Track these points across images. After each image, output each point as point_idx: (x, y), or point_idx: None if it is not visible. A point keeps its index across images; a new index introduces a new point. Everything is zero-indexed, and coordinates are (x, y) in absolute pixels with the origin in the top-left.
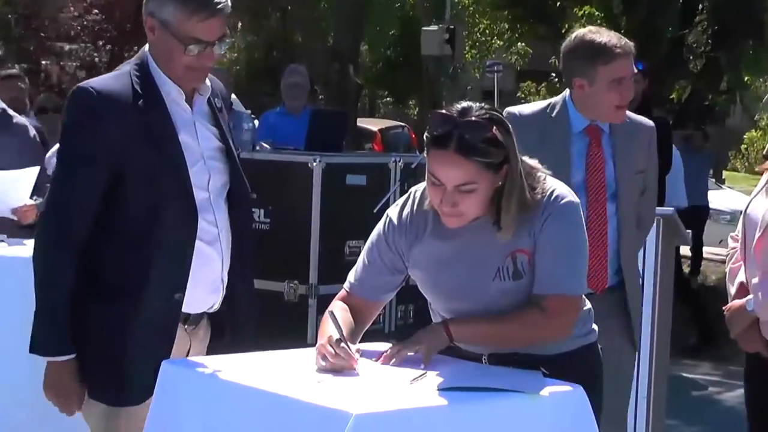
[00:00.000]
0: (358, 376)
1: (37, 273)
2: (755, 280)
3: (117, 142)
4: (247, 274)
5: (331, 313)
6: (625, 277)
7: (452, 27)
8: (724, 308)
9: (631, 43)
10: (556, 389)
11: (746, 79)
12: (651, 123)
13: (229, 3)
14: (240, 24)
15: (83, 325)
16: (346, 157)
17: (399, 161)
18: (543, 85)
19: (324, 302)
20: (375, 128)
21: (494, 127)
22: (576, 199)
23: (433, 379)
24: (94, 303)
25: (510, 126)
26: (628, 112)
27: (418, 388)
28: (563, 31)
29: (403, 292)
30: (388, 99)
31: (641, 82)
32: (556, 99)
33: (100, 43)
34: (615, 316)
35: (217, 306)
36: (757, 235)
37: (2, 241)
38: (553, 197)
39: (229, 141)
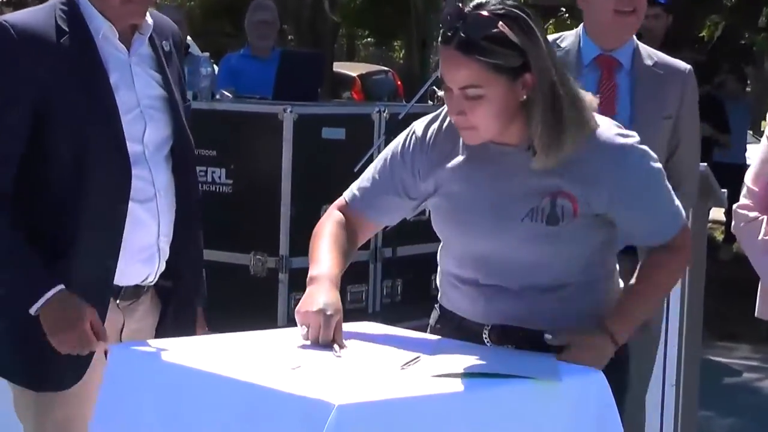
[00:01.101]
0: (340, 359)
1: None
2: None
3: (39, 82)
4: (193, 243)
5: (328, 237)
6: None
7: None
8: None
9: None
10: (573, 375)
11: None
12: (687, 66)
13: None
14: None
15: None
16: (321, 107)
17: (383, 111)
18: (551, 22)
19: (296, 277)
20: (354, 74)
21: (502, 23)
22: (631, 136)
23: (429, 363)
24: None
25: (535, 27)
26: (657, 52)
27: (410, 374)
28: None
29: (390, 265)
30: (369, 39)
31: (663, 18)
32: (571, 31)
33: None
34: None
35: (152, 279)
36: None
37: None
38: (616, 145)
39: (174, 90)
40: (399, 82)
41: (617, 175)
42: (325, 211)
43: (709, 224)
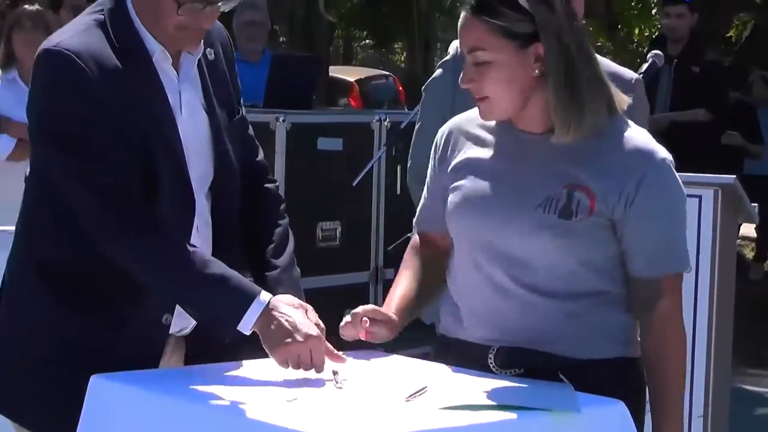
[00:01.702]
0: (340, 390)
1: (146, 272)
2: None
3: (110, 108)
4: None
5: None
6: None
7: None
8: None
9: None
10: (593, 405)
11: None
12: (634, 75)
13: None
14: None
15: (42, 335)
16: (316, 116)
17: (384, 120)
18: None
19: None
20: (352, 78)
21: None
22: (668, 154)
23: (436, 395)
24: (64, 312)
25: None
26: (603, 61)
27: (416, 406)
28: None
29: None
30: (367, 41)
31: (688, 17)
32: None
33: None
34: None
35: (188, 330)
36: None
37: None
38: (648, 150)
39: (219, 111)
40: (400, 88)
41: (642, 175)
42: (321, 229)
43: (739, 241)
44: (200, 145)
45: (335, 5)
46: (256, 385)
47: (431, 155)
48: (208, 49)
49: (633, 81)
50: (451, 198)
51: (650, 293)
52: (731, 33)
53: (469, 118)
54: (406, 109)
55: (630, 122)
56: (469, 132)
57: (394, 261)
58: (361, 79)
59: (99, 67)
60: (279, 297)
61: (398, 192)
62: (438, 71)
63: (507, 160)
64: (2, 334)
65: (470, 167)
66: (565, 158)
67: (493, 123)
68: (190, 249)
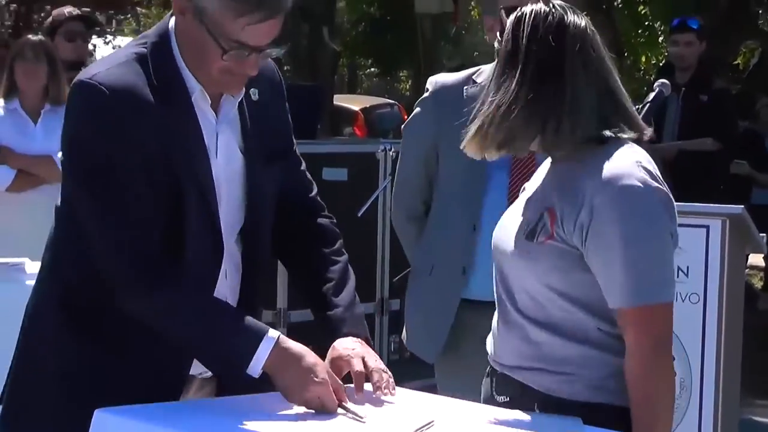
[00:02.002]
0: (352, 426)
1: (165, 322)
2: None
3: (143, 147)
4: None
5: None
6: None
7: None
8: None
9: None
10: None
11: None
12: None
13: None
14: None
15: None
16: (321, 146)
17: (389, 150)
18: None
19: (296, 332)
20: (357, 107)
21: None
22: (640, 181)
23: (444, 428)
24: (86, 348)
25: (568, 31)
26: None
27: None
28: None
29: (398, 318)
30: (372, 70)
31: (696, 45)
32: (489, 65)
33: (3, 2)
34: None
35: (209, 373)
36: None
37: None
38: (609, 176)
39: (256, 156)
40: (405, 117)
41: (596, 202)
42: None
43: (747, 271)
44: (233, 189)
45: (340, 34)
46: (267, 420)
47: None
48: (252, 90)
49: None
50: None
51: (622, 328)
52: (739, 60)
53: None
54: None
55: (626, 148)
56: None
57: (399, 292)
58: (365, 107)
59: (132, 104)
60: (287, 341)
61: None
62: (417, 110)
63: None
64: (21, 365)
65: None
66: (551, 181)
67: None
68: (202, 300)
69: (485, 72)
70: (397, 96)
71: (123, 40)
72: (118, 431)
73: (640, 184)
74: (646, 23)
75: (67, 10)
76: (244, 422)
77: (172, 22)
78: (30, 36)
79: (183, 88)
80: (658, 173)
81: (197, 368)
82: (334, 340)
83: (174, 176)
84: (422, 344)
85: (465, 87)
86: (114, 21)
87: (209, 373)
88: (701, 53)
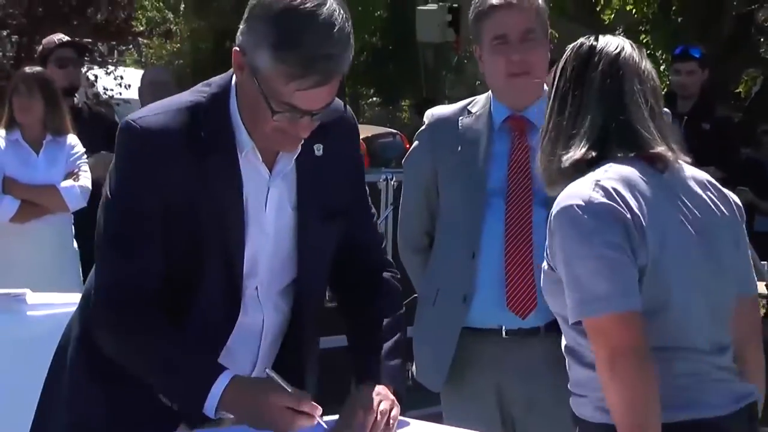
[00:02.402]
0: None
1: (125, 361)
2: None
3: (167, 196)
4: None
5: None
6: None
7: (456, 5)
8: None
9: None
10: None
11: None
12: None
13: (348, 60)
14: (183, 6)
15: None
16: None
17: (391, 179)
18: None
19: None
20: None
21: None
22: (582, 200)
23: None
24: (117, 388)
25: (582, 63)
26: None
27: None
28: (598, 8)
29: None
30: (374, 99)
31: (699, 74)
32: (483, 95)
33: (5, 33)
34: (546, 372)
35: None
36: None
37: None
38: (559, 199)
39: (310, 214)
40: (408, 146)
41: (552, 223)
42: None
43: None
44: (282, 242)
45: None
46: None
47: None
48: (317, 145)
49: None
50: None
51: None
52: (740, 88)
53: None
54: None
55: (602, 169)
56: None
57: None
58: (368, 137)
59: (166, 154)
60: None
61: None
62: (415, 143)
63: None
64: (45, 387)
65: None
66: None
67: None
68: (162, 330)
69: (480, 102)
70: (399, 125)
71: (125, 71)
72: None
73: (580, 202)
74: (648, 52)
75: (57, 37)
76: None
77: (235, 77)
78: (26, 69)
79: (231, 143)
80: (623, 191)
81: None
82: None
83: (197, 229)
84: (429, 374)
85: (460, 118)
86: (116, 51)
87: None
88: (703, 81)
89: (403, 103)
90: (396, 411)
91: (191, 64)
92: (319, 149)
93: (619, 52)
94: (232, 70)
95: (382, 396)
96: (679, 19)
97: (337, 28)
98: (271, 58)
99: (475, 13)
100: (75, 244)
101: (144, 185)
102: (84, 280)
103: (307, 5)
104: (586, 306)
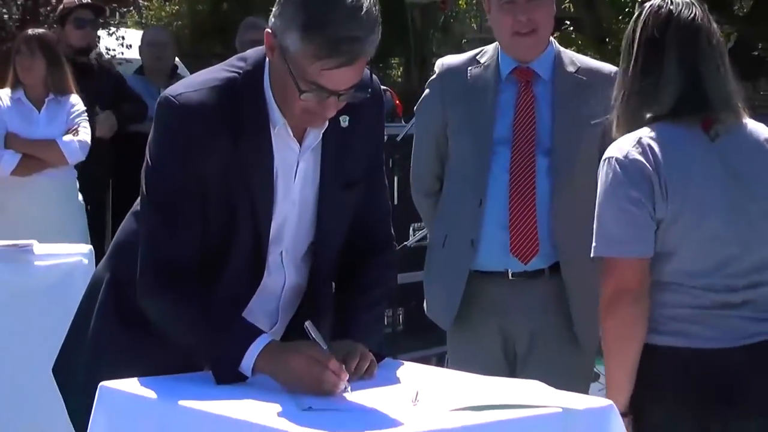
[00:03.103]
0: (345, 398)
1: (167, 324)
2: None
3: (205, 169)
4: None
5: None
6: (564, 255)
7: None
8: None
9: None
10: (589, 405)
11: None
12: (613, 68)
13: (375, 43)
14: None
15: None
16: None
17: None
18: (555, 34)
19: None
20: None
21: None
22: (619, 153)
23: (436, 396)
24: (141, 340)
25: (662, 27)
26: (582, 58)
27: (425, 409)
28: None
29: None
30: None
31: None
32: (491, 45)
33: None
34: (549, 310)
35: None
36: None
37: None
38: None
39: (332, 185)
40: (397, 102)
41: None
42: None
43: None
44: (306, 210)
45: None
46: (268, 393)
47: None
48: (343, 117)
49: (612, 74)
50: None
51: None
52: None
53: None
54: (403, 122)
55: (646, 129)
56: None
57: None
58: None
59: (204, 130)
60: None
61: (396, 202)
62: (426, 91)
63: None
64: (72, 326)
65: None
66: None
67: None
68: (199, 298)
69: (488, 52)
70: (389, 83)
71: (126, 32)
72: (121, 402)
73: (618, 156)
74: (626, 9)
75: None
76: (247, 394)
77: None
78: (28, 31)
79: (264, 120)
80: (658, 150)
81: None
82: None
83: (230, 200)
84: (439, 313)
85: (469, 68)
86: (117, 13)
87: None
88: None
89: (393, 61)
90: (374, 365)
91: (189, 25)
92: (345, 120)
93: (694, 17)
94: (263, 49)
95: (360, 348)
96: None
97: (364, 11)
98: (300, 39)
99: None
100: (80, 197)
101: (184, 160)
102: (89, 232)
103: None
104: (604, 246)
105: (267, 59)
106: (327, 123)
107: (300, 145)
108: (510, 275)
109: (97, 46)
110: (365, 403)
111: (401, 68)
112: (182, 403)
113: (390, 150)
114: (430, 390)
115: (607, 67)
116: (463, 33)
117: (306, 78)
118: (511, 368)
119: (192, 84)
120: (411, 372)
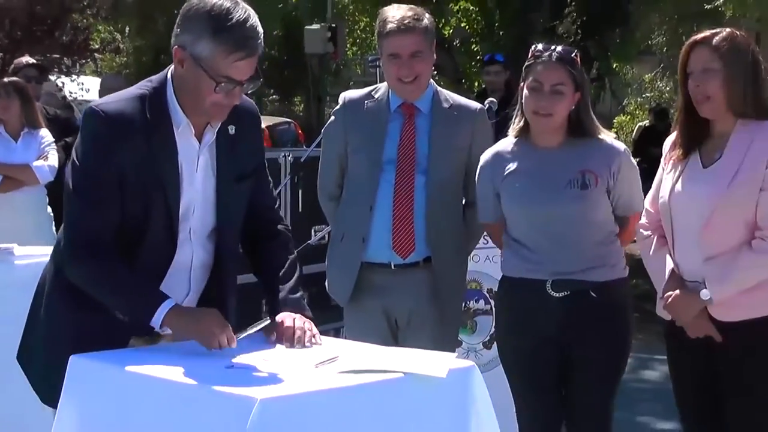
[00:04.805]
0: (267, 360)
1: (91, 288)
2: (705, 265)
3: (121, 167)
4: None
5: None
6: (434, 250)
7: (334, 25)
8: (664, 296)
9: (421, 21)
10: (454, 370)
11: (614, 66)
12: (478, 106)
13: (262, 45)
14: (128, 29)
15: (65, 333)
16: None
17: (288, 156)
18: None
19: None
20: (263, 125)
21: (576, 54)
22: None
23: (340, 362)
24: (80, 312)
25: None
26: (454, 96)
27: (322, 371)
28: (440, 26)
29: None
30: (274, 96)
31: (503, 74)
32: (383, 83)
33: None
34: (423, 293)
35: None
36: (701, 222)
37: (9, 250)
38: (623, 149)
39: (226, 179)
40: (300, 131)
41: (619, 161)
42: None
43: None
44: (208, 199)
45: None
46: (203, 359)
47: (480, 176)
48: (231, 126)
49: (477, 110)
50: (508, 195)
51: (625, 224)
52: None
53: (503, 148)
54: (305, 147)
55: (604, 134)
56: (506, 156)
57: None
58: (269, 125)
59: (121, 130)
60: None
61: (300, 210)
62: (332, 118)
63: (539, 165)
64: (29, 318)
65: (514, 174)
66: (575, 157)
67: (519, 147)
68: (116, 266)
69: (381, 89)
70: (293, 116)
71: (85, 79)
72: (91, 374)
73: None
74: (478, 57)
75: (25, 59)
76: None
77: (170, 72)
78: (4, 79)
79: (169, 122)
80: None
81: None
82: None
83: (145, 188)
84: (338, 294)
85: (366, 101)
86: (78, 64)
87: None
88: (506, 79)
89: (295, 99)
90: (313, 327)
91: (135, 73)
92: (232, 129)
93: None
94: (165, 70)
95: (297, 317)
96: (501, 33)
97: (250, 22)
98: (212, 42)
99: (377, 31)
100: (49, 210)
101: (105, 155)
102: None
103: (224, 5)
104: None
105: (168, 77)
106: (224, 120)
107: (199, 143)
108: (392, 266)
109: (40, 97)
110: (275, 364)
111: (302, 104)
112: (131, 369)
113: (296, 169)
114: (343, 357)
115: (473, 104)
116: (350, 77)
117: (219, 73)
118: (395, 338)
119: (111, 98)
120: (332, 343)
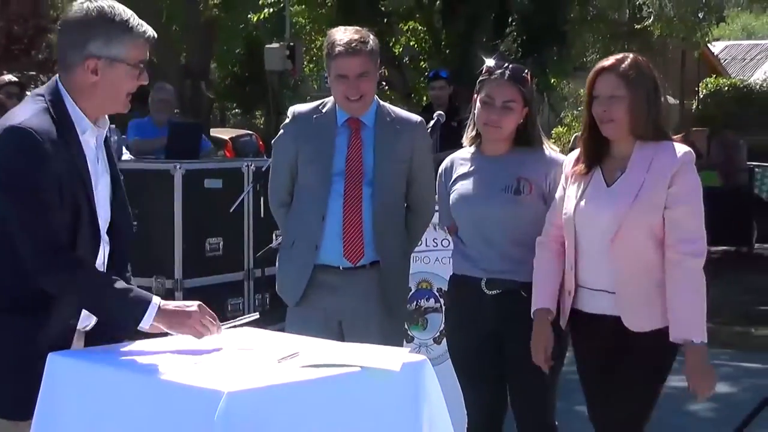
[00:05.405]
0: (233, 356)
1: (68, 295)
2: (612, 276)
3: (57, 175)
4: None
5: None
6: (381, 255)
7: (292, 44)
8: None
9: (367, 44)
10: (407, 363)
11: (552, 81)
12: (418, 118)
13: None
14: None
15: None
16: (203, 164)
17: (251, 165)
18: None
19: (189, 295)
20: (226, 137)
21: (527, 73)
22: None
23: (301, 357)
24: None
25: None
26: (396, 110)
27: (285, 366)
28: (390, 45)
29: (259, 282)
30: (237, 110)
31: (446, 88)
32: (330, 98)
33: None
34: (371, 293)
35: (90, 326)
36: (609, 237)
37: None
38: (561, 160)
39: (114, 172)
40: (261, 143)
41: (555, 171)
42: (209, 243)
43: None
44: (105, 198)
45: (213, 86)
46: (168, 354)
47: (439, 181)
48: (107, 132)
49: (417, 123)
50: (453, 197)
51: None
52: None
53: (459, 155)
54: (266, 157)
55: (547, 146)
56: (459, 161)
57: (260, 263)
58: (233, 137)
59: (50, 142)
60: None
61: (262, 216)
62: (281, 131)
63: (481, 170)
64: None
65: (461, 178)
66: (514, 164)
67: (470, 154)
68: (100, 273)
69: (328, 104)
70: (254, 128)
71: None
72: (69, 371)
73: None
74: (426, 73)
75: (8, 77)
76: (155, 356)
77: (59, 84)
78: None
79: (74, 129)
80: None
81: (80, 325)
82: None
83: (74, 193)
84: (287, 294)
85: (314, 115)
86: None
87: (88, 327)
88: (450, 93)
89: (256, 113)
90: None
91: None
92: (108, 132)
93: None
94: (51, 82)
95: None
96: (447, 51)
97: (131, 14)
98: (127, 38)
99: (326, 52)
100: None
101: (41, 165)
102: None
103: (111, 6)
104: None
105: (59, 88)
106: (107, 122)
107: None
108: (341, 268)
109: None
110: (240, 360)
111: (263, 117)
112: (103, 366)
113: (257, 177)
114: (304, 353)
115: (414, 117)
116: (307, 92)
117: (136, 60)
118: (342, 336)
119: (22, 115)
120: (293, 340)
